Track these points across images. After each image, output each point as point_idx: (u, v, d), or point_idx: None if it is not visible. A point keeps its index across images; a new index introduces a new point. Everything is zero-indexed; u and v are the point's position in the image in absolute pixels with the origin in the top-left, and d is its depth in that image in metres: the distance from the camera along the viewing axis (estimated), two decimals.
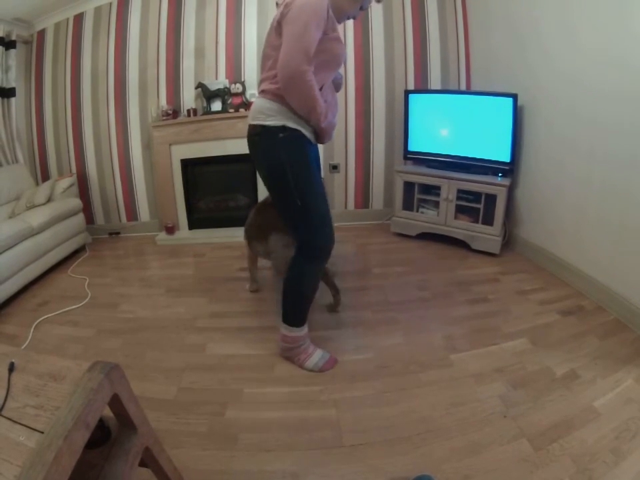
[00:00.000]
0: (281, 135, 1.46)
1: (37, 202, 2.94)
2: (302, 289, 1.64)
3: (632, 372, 1.59)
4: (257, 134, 1.52)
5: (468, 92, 3.30)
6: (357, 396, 1.54)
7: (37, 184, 3.43)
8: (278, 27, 1.40)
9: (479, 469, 1.20)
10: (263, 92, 1.51)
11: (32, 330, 2.08)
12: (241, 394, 1.57)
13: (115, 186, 3.63)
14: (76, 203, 3.21)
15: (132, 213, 3.72)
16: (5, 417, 0.72)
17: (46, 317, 2.23)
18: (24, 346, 1.95)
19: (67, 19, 3.36)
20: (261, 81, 1.55)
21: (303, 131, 1.50)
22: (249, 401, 1.53)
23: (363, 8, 1.54)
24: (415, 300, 2.25)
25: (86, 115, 3.47)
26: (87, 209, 3.56)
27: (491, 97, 2.76)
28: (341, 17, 1.51)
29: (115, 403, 0.78)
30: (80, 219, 3.25)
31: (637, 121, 1.83)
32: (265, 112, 1.48)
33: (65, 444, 0.62)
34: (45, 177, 3.61)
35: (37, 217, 2.72)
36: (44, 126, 3.54)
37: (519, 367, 1.65)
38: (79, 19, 3.35)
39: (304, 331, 1.70)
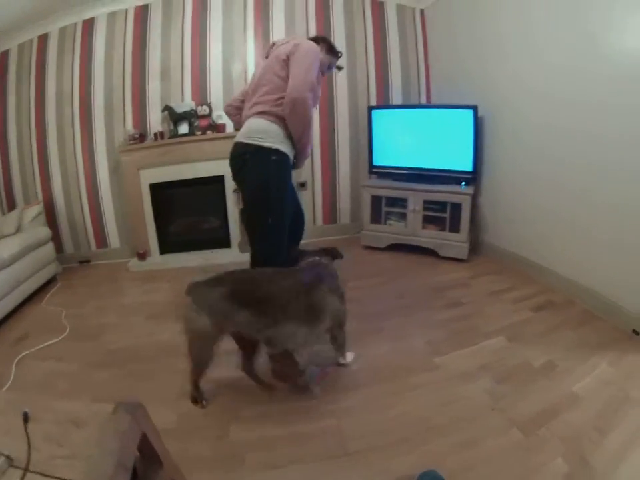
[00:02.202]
0: (273, 157, 1.61)
1: (6, 232, 2.82)
2: None
3: (605, 356, 1.75)
4: (248, 152, 1.64)
5: (429, 105, 3.46)
6: (353, 404, 1.60)
7: (3, 213, 3.28)
8: (286, 60, 1.64)
9: (478, 460, 1.30)
10: (262, 113, 1.65)
11: (14, 367, 1.99)
12: (241, 414, 1.59)
13: (82, 212, 3.53)
14: (45, 231, 3.11)
15: (101, 240, 3.62)
16: (33, 472, 0.68)
17: (27, 352, 2.13)
18: (7, 385, 1.85)
19: (31, 40, 3.25)
20: (256, 103, 1.69)
21: (290, 156, 1.68)
22: (250, 421, 1.55)
23: (331, 67, 1.92)
24: (394, 308, 2.33)
25: (51, 139, 3.36)
26: (56, 237, 3.40)
27: (452, 110, 2.92)
28: (324, 70, 1.84)
29: (143, 441, 0.79)
30: (50, 248, 3.15)
31: (589, 126, 2.03)
32: (263, 133, 1.62)
33: None
34: (11, 205, 3.44)
35: (8, 248, 2.61)
36: (8, 152, 3.39)
37: (500, 362, 1.77)
38: (43, 39, 3.25)
39: None
